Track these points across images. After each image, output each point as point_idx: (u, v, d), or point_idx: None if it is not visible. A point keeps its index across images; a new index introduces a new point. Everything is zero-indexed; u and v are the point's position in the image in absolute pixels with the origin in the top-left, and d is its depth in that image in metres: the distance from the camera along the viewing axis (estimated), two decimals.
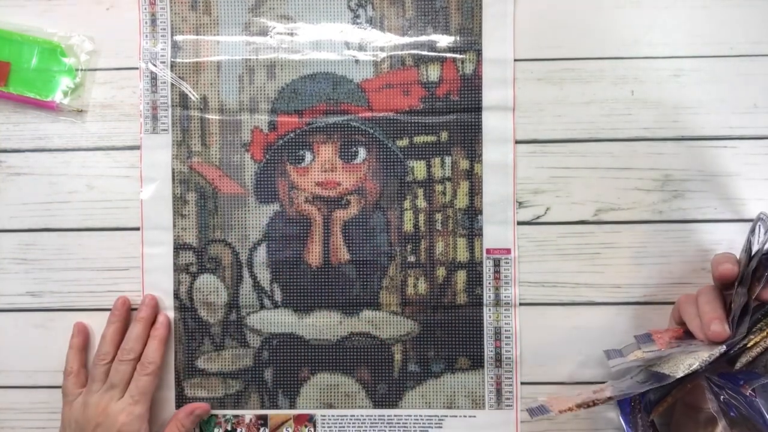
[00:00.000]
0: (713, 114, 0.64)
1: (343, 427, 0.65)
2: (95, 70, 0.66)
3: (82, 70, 0.66)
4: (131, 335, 0.63)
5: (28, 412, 0.66)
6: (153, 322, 0.65)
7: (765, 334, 0.50)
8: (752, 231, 0.54)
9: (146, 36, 0.65)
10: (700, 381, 0.53)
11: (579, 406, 0.54)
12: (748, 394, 0.50)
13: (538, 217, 0.64)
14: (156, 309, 0.65)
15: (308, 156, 0.65)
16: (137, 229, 0.65)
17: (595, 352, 0.64)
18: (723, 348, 0.50)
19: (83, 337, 0.65)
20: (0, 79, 0.65)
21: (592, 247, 0.64)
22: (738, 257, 0.54)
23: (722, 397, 0.51)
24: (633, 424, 0.58)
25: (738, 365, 0.50)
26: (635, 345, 0.58)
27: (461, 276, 0.64)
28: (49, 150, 0.66)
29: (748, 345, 0.50)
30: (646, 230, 0.64)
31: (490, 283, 0.64)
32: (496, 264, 0.64)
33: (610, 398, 0.54)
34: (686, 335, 0.55)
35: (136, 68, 0.66)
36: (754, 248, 0.53)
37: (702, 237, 0.64)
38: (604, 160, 0.64)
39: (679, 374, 0.51)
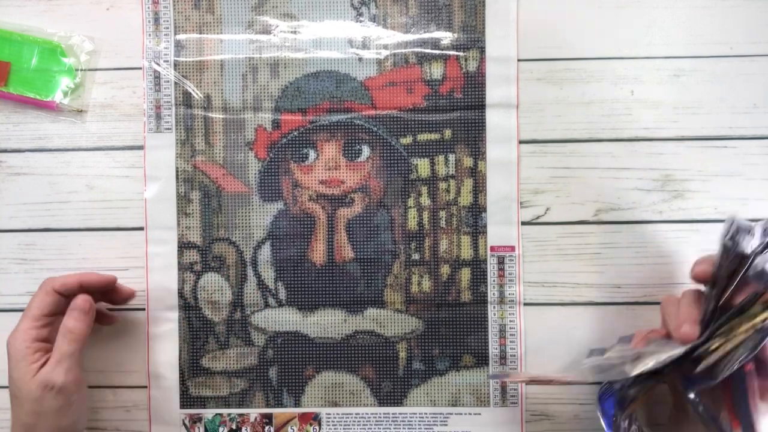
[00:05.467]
0: (713, 114, 0.64)
1: (348, 425, 0.65)
2: (95, 70, 0.66)
3: (82, 70, 0.65)
4: None
5: None
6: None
7: (724, 339, 0.48)
8: (725, 236, 0.51)
9: (149, 35, 0.65)
10: (675, 380, 0.53)
11: (532, 380, 0.61)
12: (691, 398, 0.50)
13: (538, 217, 0.65)
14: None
15: (312, 154, 0.65)
16: (137, 229, 0.65)
17: None
18: (681, 350, 0.49)
19: None
20: (0, 79, 0.64)
21: (592, 247, 0.64)
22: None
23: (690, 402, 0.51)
24: (615, 427, 0.57)
25: (699, 368, 0.49)
26: (616, 345, 0.59)
27: (465, 273, 0.64)
28: (49, 150, 0.66)
29: (710, 348, 0.49)
30: (646, 230, 0.64)
31: (494, 281, 0.64)
32: (500, 261, 0.64)
33: (569, 382, 0.60)
34: (668, 335, 0.55)
35: (136, 68, 0.65)
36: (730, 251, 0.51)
37: (702, 237, 0.64)
38: (604, 160, 0.64)
39: (634, 372, 0.50)
